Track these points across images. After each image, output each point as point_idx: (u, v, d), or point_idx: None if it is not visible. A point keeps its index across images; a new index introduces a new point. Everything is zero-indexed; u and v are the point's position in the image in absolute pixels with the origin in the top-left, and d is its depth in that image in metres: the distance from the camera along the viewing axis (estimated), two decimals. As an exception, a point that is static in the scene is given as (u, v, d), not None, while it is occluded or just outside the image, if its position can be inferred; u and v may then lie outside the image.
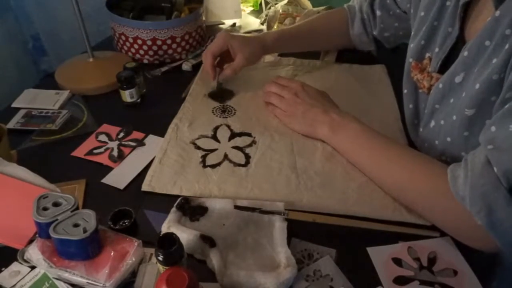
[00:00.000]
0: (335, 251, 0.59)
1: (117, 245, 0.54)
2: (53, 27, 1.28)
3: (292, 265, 0.54)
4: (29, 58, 1.28)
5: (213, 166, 0.72)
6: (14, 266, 0.56)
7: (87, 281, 0.51)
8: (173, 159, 0.73)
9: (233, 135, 0.79)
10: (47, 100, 0.87)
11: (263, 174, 0.71)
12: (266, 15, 1.20)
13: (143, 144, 0.77)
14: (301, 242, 0.60)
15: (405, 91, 0.76)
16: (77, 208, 0.55)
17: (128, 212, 0.61)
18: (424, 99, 0.71)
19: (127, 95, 0.86)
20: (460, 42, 0.64)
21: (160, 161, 0.72)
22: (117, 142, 0.78)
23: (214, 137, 0.78)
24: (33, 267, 0.55)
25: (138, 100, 0.88)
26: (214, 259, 0.55)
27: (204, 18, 1.10)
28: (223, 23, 1.20)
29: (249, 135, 0.79)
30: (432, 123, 0.69)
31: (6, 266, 0.56)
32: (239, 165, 0.72)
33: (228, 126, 0.81)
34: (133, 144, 0.77)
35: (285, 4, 1.20)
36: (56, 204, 0.55)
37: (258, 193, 0.67)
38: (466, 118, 0.60)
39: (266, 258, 0.57)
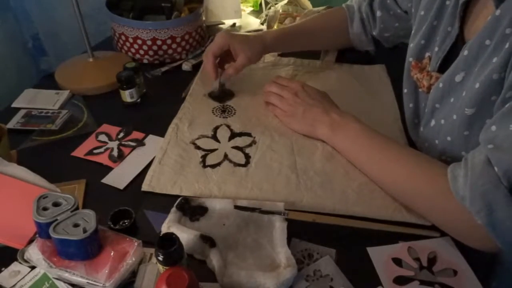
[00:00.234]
0: (335, 251, 0.59)
1: (117, 245, 0.54)
2: (53, 27, 1.28)
3: (292, 265, 0.54)
4: (29, 58, 1.28)
5: (213, 166, 0.72)
6: (14, 266, 0.56)
7: (87, 281, 0.51)
8: (173, 159, 0.73)
9: (233, 135, 0.79)
10: (47, 100, 0.87)
11: (263, 174, 0.71)
12: (266, 15, 1.20)
13: (143, 144, 0.77)
14: (301, 242, 0.60)
15: (405, 90, 0.76)
16: (77, 208, 0.55)
17: (128, 212, 0.61)
18: (424, 98, 0.71)
19: (127, 95, 0.86)
20: (459, 41, 0.64)
21: (160, 161, 0.72)
22: (117, 142, 0.78)
23: (214, 137, 0.78)
24: (33, 267, 0.55)
25: (138, 100, 0.88)
26: (214, 259, 0.55)
27: (204, 18, 1.10)
28: (223, 23, 1.20)
29: (249, 135, 0.79)
30: (432, 123, 0.69)
31: (6, 266, 0.56)
32: (239, 165, 0.72)
33: (228, 126, 0.81)
34: (133, 144, 0.77)
35: (285, 4, 1.20)
36: (56, 204, 0.54)
37: (258, 193, 0.67)
38: (466, 117, 0.60)
39: (266, 258, 0.57)
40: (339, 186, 0.69)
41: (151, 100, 0.90)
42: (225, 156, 0.74)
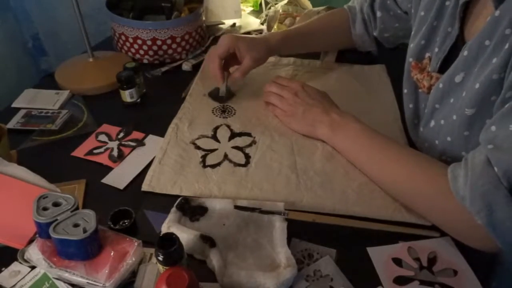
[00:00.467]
0: (335, 251, 0.59)
1: (117, 245, 0.54)
2: (53, 27, 1.29)
3: (292, 265, 0.54)
4: (29, 58, 1.28)
5: (213, 166, 0.72)
6: (14, 266, 0.56)
7: (87, 281, 0.51)
8: (173, 159, 0.73)
9: (233, 135, 0.79)
10: (47, 100, 0.87)
11: (263, 174, 0.71)
12: (266, 15, 1.20)
13: (143, 144, 0.77)
14: (301, 242, 0.60)
15: (405, 90, 0.76)
16: (77, 208, 0.55)
17: (128, 212, 0.61)
18: (424, 98, 0.71)
19: (127, 95, 0.86)
20: (459, 42, 0.64)
21: (160, 161, 0.72)
22: (117, 142, 0.78)
23: (214, 137, 0.78)
24: (33, 267, 0.55)
25: (138, 100, 0.88)
26: (214, 259, 0.55)
27: (204, 18, 1.10)
28: (223, 23, 1.20)
29: (249, 135, 0.79)
30: (432, 123, 0.69)
31: (6, 266, 0.56)
32: (239, 165, 0.72)
33: (228, 126, 0.81)
34: (133, 144, 0.77)
35: (285, 4, 1.19)
36: (56, 204, 0.54)
37: (258, 193, 0.67)
38: (466, 117, 0.60)
39: (266, 258, 0.57)
40: (339, 186, 0.69)
41: (151, 100, 0.90)
42: (225, 156, 0.74)
